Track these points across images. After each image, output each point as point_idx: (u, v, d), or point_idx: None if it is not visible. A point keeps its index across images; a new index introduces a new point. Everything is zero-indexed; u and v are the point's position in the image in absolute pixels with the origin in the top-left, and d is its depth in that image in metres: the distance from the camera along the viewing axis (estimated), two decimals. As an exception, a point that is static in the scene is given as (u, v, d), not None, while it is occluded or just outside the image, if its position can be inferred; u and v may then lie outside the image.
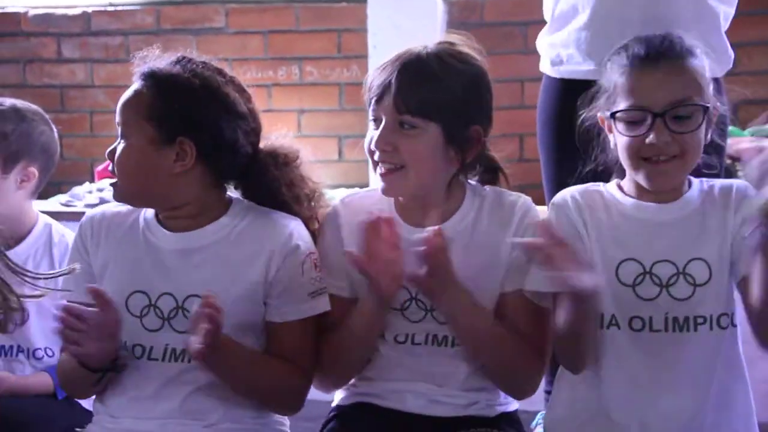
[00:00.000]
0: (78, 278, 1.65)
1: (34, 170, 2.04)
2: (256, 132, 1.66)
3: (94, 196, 3.18)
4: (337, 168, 3.49)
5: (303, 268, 1.61)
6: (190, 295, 1.58)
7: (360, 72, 3.46)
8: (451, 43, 1.66)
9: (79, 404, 2.03)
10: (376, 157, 1.63)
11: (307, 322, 1.63)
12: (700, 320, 1.59)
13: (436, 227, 1.52)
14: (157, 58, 1.63)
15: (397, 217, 1.66)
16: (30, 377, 2.04)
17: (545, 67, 2.16)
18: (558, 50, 2.09)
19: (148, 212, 1.67)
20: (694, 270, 1.59)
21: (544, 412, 2.07)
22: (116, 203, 1.69)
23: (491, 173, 1.73)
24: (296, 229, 1.64)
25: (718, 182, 1.68)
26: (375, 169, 1.66)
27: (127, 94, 1.62)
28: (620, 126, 1.61)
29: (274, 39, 3.59)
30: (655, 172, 1.60)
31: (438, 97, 1.59)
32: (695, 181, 1.67)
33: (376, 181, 1.75)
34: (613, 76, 1.64)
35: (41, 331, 2.01)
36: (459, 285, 1.57)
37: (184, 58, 1.63)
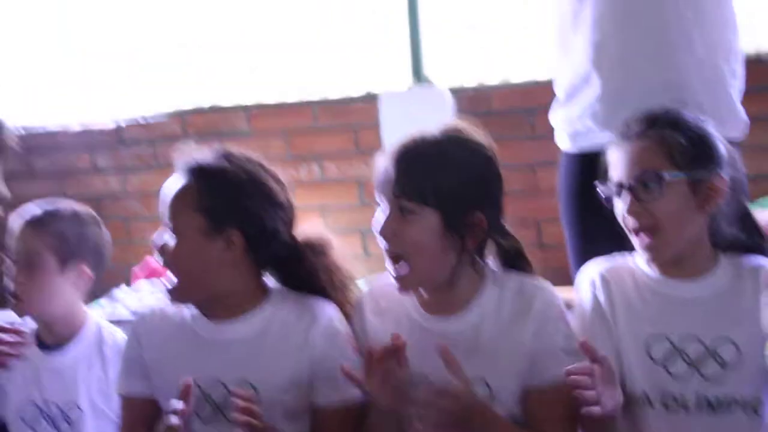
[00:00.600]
0: (132, 372, 1.71)
1: (88, 271, 2.11)
2: (292, 221, 1.73)
3: (133, 298, 3.21)
4: (363, 263, 3.52)
5: (345, 352, 1.64)
6: (239, 383, 1.61)
7: (378, 167, 3.55)
8: (455, 129, 1.64)
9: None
10: (381, 245, 1.62)
11: (350, 406, 1.64)
12: (732, 403, 1.58)
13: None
14: (198, 153, 1.70)
15: (416, 305, 1.66)
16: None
17: (563, 143, 2.16)
18: (574, 125, 2.09)
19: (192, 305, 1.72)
20: (723, 350, 1.59)
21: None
22: (164, 301, 1.73)
23: (513, 258, 1.70)
24: (335, 314, 1.68)
25: (745, 260, 1.68)
26: (386, 261, 1.62)
27: (175, 188, 1.66)
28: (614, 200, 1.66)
29: (295, 139, 3.67)
30: (642, 245, 1.63)
31: (434, 183, 1.56)
32: (723, 257, 1.67)
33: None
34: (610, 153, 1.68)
35: (95, 430, 2.04)
36: (486, 411, 1.51)
37: (227, 152, 1.70)
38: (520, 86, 3.50)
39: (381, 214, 1.62)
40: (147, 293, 3.24)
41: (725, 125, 1.78)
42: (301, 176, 3.64)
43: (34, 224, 2.07)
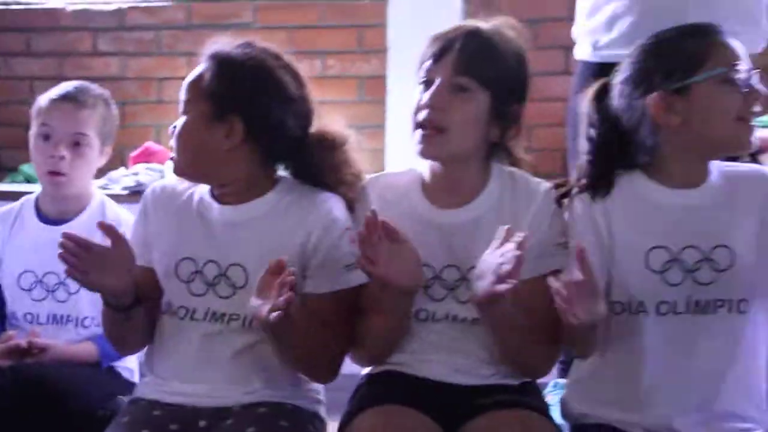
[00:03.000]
0: (135, 242, 1.73)
1: (109, 150, 2.24)
2: (306, 116, 1.73)
3: (131, 179, 3.26)
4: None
5: (340, 242, 1.67)
6: (233, 263, 1.68)
7: (380, 66, 3.59)
8: (509, 25, 1.73)
9: (122, 374, 2.15)
10: (420, 117, 1.65)
11: (342, 294, 1.68)
12: (719, 303, 1.62)
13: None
14: (226, 44, 1.72)
15: (423, 198, 1.71)
16: (75, 346, 2.12)
17: (583, 53, 2.24)
18: (597, 36, 2.16)
19: (204, 187, 1.77)
20: (718, 256, 1.61)
21: (556, 380, 2.18)
22: (177, 179, 1.77)
23: (511, 159, 1.76)
24: (336, 204, 1.71)
25: (738, 166, 1.71)
26: (414, 131, 1.67)
27: (193, 73, 1.71)
28: (715, 89, 1.60)
29: (298, 34, 3.65)
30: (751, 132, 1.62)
31: (496, 66, 1.66)
32: (714, 165, 1.68)
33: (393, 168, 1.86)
34: (679, 48, 1.63)
35: (90, 300, 2.09)
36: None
37: (247, 43, 1.72)
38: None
39: (423, 90, 1.67)
40: (144, 175, 3.27)
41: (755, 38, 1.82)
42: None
43: (81, 106, 2.16)
